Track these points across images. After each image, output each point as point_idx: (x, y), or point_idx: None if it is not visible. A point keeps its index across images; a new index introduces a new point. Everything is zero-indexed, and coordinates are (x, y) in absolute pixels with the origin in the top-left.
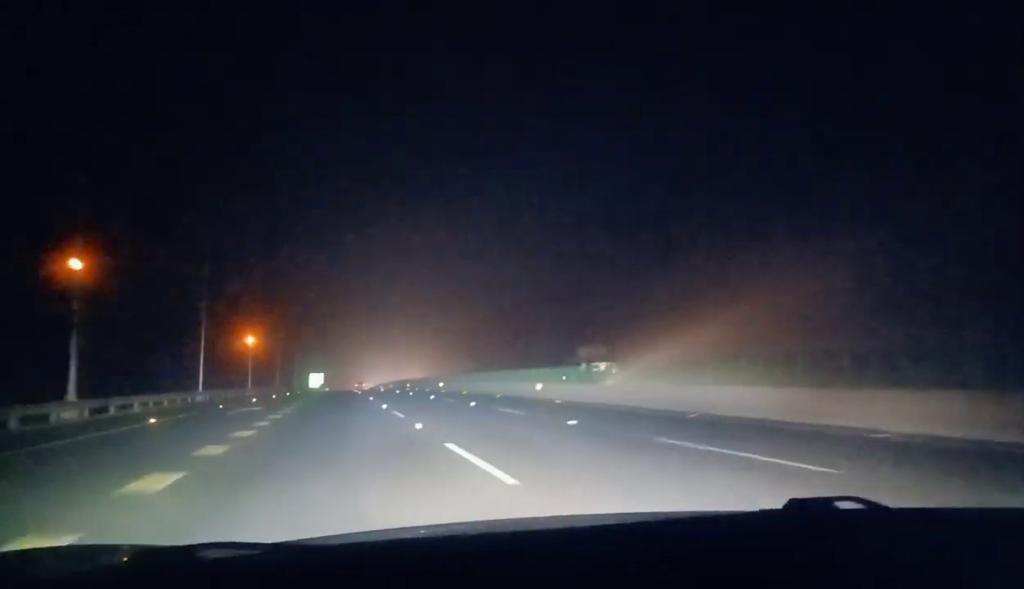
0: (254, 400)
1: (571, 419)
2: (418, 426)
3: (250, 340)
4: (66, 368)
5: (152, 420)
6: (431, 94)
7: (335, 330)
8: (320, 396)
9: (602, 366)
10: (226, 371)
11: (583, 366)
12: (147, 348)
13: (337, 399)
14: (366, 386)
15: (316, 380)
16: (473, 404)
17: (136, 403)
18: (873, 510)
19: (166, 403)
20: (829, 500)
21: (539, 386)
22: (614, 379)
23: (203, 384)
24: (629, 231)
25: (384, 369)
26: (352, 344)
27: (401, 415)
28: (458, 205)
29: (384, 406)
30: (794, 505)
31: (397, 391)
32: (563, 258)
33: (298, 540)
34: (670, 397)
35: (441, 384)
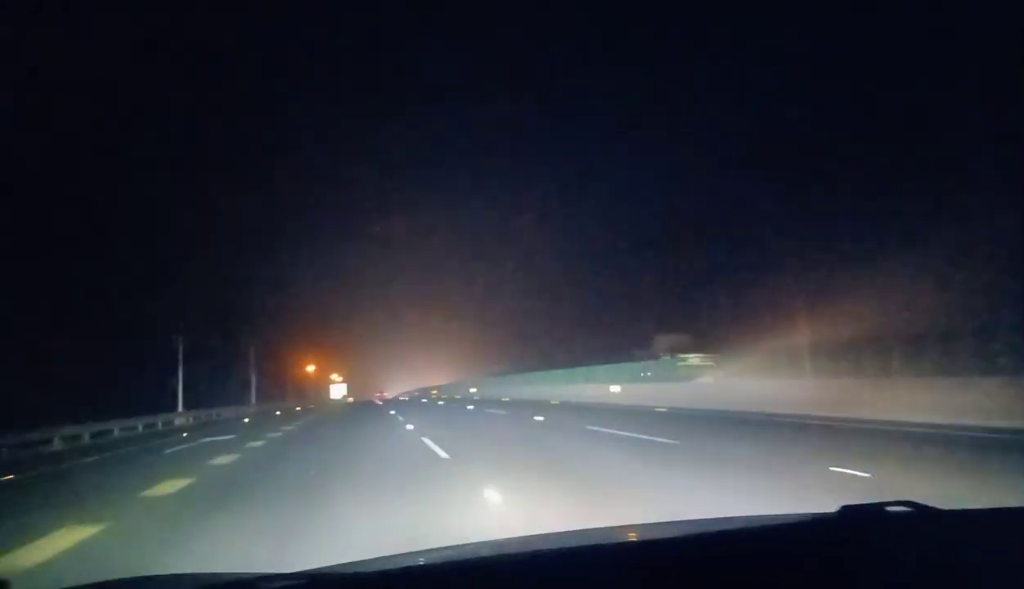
0: (278, 412)
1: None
2: (493, 496)
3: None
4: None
5: (246, 419)
6: (444, 93)
7: (357, 339)
8: (335, 409)
9: (692, 359)
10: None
11: (664, 358)
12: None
13: (351, 415)
14: (388, 395)
15: (338, 391)
16: (541, 418)
17: (215, 413)
18: (923, 513)
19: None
20: (881, 505)
21: (616, 388)
22: (711, 375)
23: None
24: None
25: (409, 376)
26: (375, 352)
27: (441, 452)
28: (491, 183)
29: (409, 427)
30: (847, 510)
31: (423, 400)
32: (615, 238)
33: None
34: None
35: (473, 390)
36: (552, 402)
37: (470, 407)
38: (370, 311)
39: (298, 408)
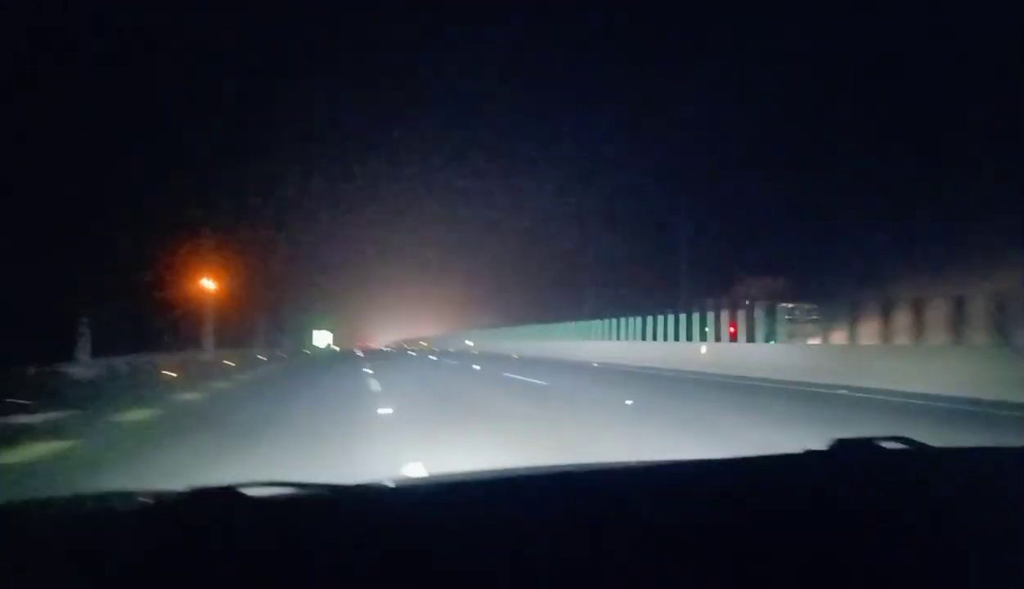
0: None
1: None
2: None
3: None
4: None
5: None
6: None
7: (347, 284)
8: (315, 359)
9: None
10: (235, 331)
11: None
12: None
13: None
14: (373, 345)
15: (322, 339)
16: (630, 402)
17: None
18: (917, 450)
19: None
20: (874, 439)
21: (704, 349)
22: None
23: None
24: None
25: (401, 325)
26: (365, 300)
27: None
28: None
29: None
30: (839, 445)
31: (411, 352)
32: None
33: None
34: None
35: (470, 342)
36: (594, 364)
37: (477, 368)
38: (363, 256)
39: (262, 357)
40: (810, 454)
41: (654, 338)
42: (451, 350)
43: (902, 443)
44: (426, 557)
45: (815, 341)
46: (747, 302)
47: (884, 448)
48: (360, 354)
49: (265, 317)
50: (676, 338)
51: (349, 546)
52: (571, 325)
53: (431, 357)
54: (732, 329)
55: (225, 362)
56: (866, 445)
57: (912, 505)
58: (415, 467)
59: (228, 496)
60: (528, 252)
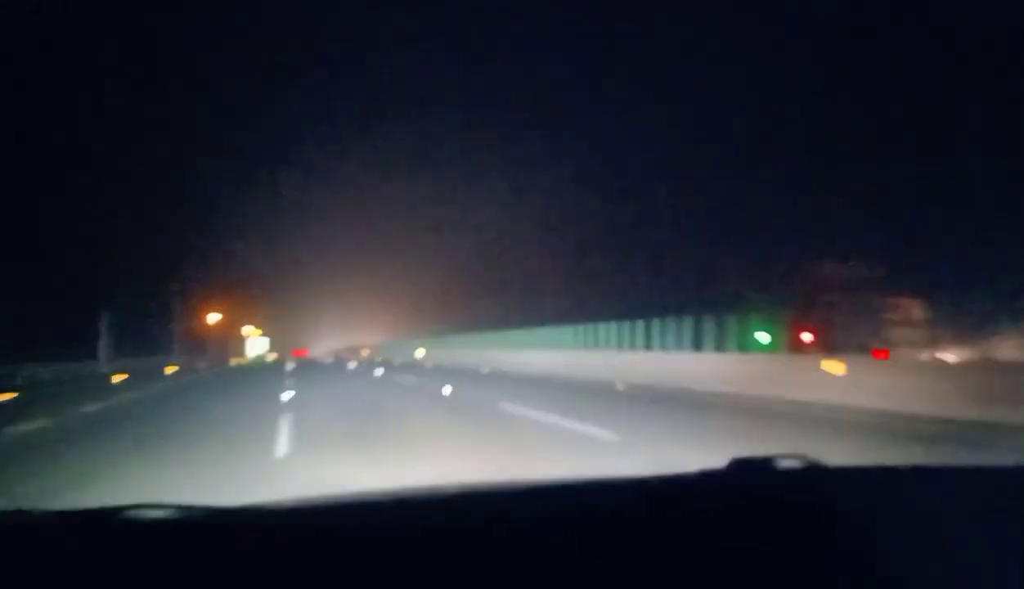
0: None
1: None
2: None
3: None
4: None
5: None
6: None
7: (283, 288)
8: (236, 372)
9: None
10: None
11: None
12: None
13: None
14: (311, 355)
15: (257, 346)
16: None
17: None
18: (812, 468)
19: None
20: (771, 458)
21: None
22: None
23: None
24: None
25: (345, 331)
26: (305, 305)
27: None
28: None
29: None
30: (736, 464)
31: (351, 364)
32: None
33: (245, 505)
34: None
35: (419, 353)
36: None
37: (446, 390)
38: (303, 261)
39: (172, 368)
40: (705, 475)
41: (698, 347)
42: (396, 362)
43: (797, 460)
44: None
45: (948, 356)
46: (822, 296)
47: (780, 466)
48: (289, 367)
49: (187, 319)
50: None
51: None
52: (567, 330)
53: (376, 372)
54: (807, 334)
55: (115, 377)
56: (764, 464)
57: (806, 524)
58: None
59: (99, 517)
60: (488, 247)
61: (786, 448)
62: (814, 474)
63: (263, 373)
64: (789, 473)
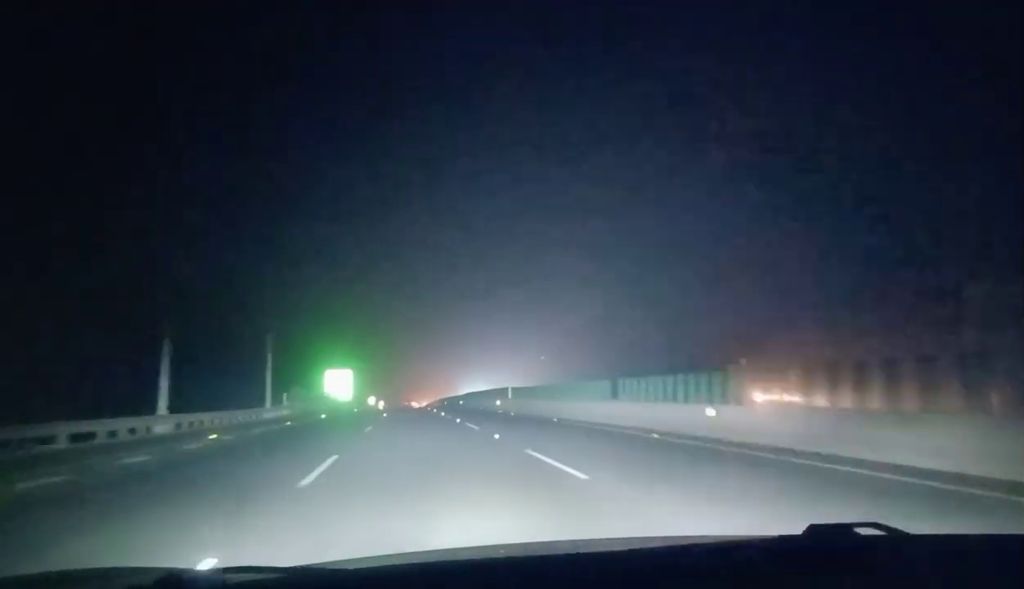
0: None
1: None
2: None
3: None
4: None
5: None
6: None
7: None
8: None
9: None
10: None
11: None
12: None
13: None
14: (415, 405)
15: (339, 387)
16: None
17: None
18: (891, 536)
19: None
20: (849, 526)
21: None
22: None
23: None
24: None
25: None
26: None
27: None
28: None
29: None
30: (815, 529)
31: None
32: None
33: (321, 564)
34: None
35: (498, 403)
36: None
37: None
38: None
39: (244, 419)
40: (785, 539)
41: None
42: (480, 407)
43: (876, 529)
44: None
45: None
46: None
47: (858, 535)
48: (385, 415)
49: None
50: None
51: None
52: (630, 381)
53: (472, 426)
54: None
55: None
56: (843, 532)
57: None
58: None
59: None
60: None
61: None
62: (892, 541)
63: (350, 423)
64: (867, 540)
